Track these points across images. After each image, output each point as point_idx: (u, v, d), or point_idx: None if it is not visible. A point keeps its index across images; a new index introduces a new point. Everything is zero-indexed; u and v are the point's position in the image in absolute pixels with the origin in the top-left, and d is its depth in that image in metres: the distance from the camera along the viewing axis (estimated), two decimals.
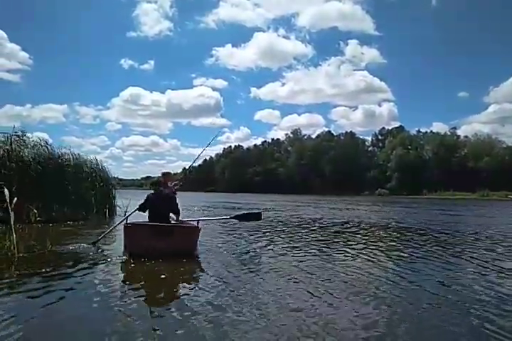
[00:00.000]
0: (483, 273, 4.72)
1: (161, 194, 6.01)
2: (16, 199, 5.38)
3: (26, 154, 9.96)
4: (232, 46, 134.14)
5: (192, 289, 3.87)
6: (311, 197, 44.10)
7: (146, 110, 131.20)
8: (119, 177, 14.37)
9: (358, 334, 2.73)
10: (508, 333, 2.73)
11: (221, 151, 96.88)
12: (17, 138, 10.28)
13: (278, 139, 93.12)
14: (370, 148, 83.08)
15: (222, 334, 2.67)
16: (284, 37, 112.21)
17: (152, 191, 6.04)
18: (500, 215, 17.44)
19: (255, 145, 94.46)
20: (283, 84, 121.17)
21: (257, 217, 6.70)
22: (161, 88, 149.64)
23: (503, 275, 4.63)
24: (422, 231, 9.44)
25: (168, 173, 7.34)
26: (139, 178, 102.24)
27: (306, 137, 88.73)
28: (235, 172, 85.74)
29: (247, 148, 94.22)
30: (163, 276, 4.28)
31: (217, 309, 3.16)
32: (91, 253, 5.52)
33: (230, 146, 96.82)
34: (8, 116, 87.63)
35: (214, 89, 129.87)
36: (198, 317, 2.98)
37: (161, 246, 5.10)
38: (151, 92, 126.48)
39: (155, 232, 5.32)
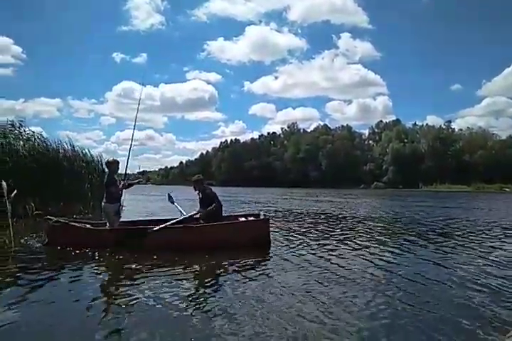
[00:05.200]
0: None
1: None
2: (15, 192, 5.32)
3: (21, 147, 9.83)
4: (225, 40, 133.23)
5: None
6: (309, 190, 44.08)
7: (140, 104, 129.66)
8: None
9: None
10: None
11: (217, 145, 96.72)
12: (11, 128, 10.13)
13: (274, 133, 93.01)
14: (366, 142, 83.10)
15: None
16: (277, 30, 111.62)
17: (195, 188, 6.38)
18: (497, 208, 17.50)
19: (252, 138, 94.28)
20: (276, 78, 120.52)
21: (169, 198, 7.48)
22: (154, 81, 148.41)
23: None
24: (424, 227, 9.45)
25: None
26: (134, 172, 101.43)
27: (302, 131, 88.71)
28: (231, 166, 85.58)
29: (244, 142, 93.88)
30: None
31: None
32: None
33: (226, 140, 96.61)
34: (0, 110, 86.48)
35: (208, 82, 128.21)
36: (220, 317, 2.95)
37: None
38: (145, 86, 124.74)
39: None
